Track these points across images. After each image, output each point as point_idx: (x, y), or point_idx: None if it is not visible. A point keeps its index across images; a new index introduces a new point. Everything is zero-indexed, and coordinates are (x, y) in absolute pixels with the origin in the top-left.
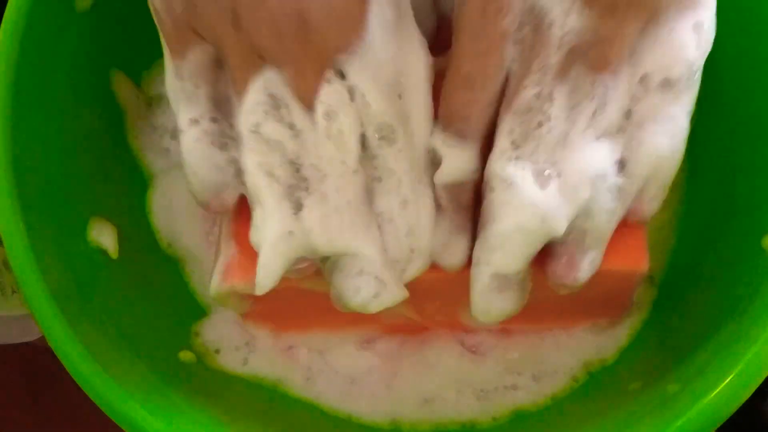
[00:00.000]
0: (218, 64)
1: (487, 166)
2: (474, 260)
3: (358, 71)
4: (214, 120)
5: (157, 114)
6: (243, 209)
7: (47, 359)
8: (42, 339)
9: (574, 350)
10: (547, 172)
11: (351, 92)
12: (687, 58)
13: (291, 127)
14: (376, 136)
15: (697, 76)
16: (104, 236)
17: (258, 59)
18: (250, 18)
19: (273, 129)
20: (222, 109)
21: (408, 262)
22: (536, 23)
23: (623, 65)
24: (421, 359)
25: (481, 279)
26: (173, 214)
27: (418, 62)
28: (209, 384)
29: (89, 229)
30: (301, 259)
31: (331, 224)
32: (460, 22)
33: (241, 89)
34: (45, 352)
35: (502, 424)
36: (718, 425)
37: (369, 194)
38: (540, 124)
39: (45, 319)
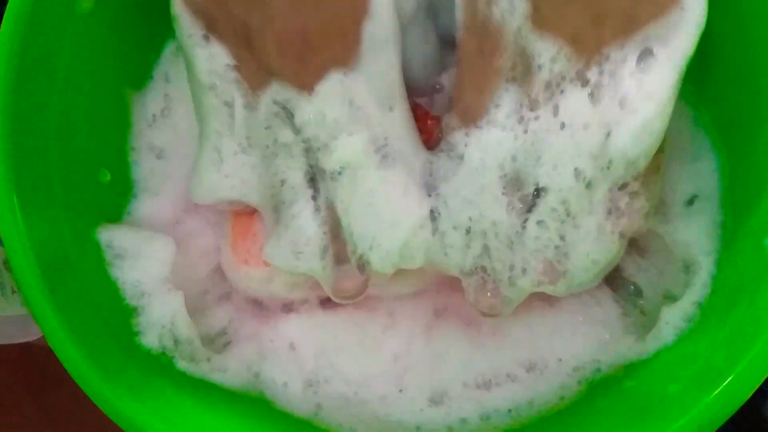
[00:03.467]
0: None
1: None
2: None
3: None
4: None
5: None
6: None
7: (47, 359)
8: (42, 339)
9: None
10: None
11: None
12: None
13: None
14: (372, 148)
15: None
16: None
17: (267, 75)
18: (259, 39)
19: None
20: None
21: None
22: (526, 64)
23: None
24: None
25: None
26: None
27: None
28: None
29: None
30: None
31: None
32: (460, 58)
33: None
34: (45, 352)
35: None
36: (719, 425)
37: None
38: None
39: (45, 319)
